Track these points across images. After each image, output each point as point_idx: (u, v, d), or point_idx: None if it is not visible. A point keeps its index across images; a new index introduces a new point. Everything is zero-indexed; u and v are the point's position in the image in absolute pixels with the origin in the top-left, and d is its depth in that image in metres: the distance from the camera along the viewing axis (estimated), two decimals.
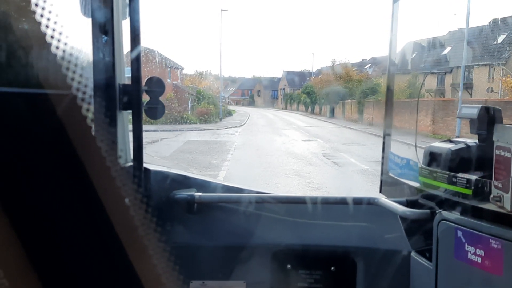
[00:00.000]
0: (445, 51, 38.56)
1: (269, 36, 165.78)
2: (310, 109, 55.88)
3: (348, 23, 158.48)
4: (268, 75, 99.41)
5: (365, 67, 55.19)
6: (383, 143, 2.05)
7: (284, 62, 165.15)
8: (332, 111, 44.27)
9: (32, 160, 0.45)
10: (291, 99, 68.65)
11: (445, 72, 38.71)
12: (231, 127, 28.82)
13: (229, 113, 43.99)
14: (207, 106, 33.12)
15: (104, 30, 1.64)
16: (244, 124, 32.83)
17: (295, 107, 66.65)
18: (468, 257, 1.44)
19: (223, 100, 71.66)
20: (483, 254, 1.39)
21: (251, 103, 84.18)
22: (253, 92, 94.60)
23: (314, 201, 1.95)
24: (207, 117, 31.27)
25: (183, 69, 45.48)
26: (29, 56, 0.45)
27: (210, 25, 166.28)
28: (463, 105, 1.76)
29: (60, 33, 0.44)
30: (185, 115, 28.87)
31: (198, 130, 25.44)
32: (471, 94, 35.47)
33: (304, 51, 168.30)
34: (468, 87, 37.28)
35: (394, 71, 2.14)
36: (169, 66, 35.30)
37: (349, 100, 39.23)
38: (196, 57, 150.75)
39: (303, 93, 59.21)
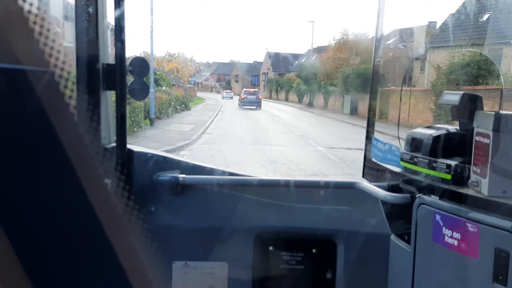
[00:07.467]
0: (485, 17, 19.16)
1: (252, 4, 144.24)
2: (307, 99, 37.43)
3: None
4: (248, 61, 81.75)
5: (388, 42, 36.43)
6: (367, 128, 2.11)
7: (268, 40, 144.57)
8: (354, 107, 25.82)
9: (10, 140, 0.44)
10: (279, 86, 49.87)
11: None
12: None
13: (185, 106, 25.04)
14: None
15: (87, 9, 1.64)
16: (200, 135, 14.22)
17: (283, 96, 48.43)
18: (446, 240, 1.50)
19: (190, 85, 51.24)
20: (459, 237, 1.45)
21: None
22: (230, 78, 77.10)
23: (298, 184, 2.03)
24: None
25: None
26: (7, 31, 0.42)
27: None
28: (445, 91, 1.78)
29: (38, 7, 0.43)
30: None
31: None
32: None
33: (297, 22, 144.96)
34: None
35: (380, 54, 2.10)
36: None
37: (392, 88, 20.77)
38: (169, 39, 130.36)
39: (298, 77, 40.74)
